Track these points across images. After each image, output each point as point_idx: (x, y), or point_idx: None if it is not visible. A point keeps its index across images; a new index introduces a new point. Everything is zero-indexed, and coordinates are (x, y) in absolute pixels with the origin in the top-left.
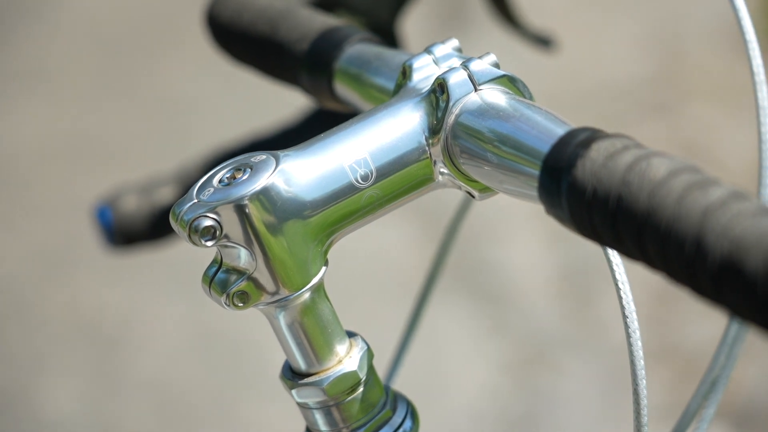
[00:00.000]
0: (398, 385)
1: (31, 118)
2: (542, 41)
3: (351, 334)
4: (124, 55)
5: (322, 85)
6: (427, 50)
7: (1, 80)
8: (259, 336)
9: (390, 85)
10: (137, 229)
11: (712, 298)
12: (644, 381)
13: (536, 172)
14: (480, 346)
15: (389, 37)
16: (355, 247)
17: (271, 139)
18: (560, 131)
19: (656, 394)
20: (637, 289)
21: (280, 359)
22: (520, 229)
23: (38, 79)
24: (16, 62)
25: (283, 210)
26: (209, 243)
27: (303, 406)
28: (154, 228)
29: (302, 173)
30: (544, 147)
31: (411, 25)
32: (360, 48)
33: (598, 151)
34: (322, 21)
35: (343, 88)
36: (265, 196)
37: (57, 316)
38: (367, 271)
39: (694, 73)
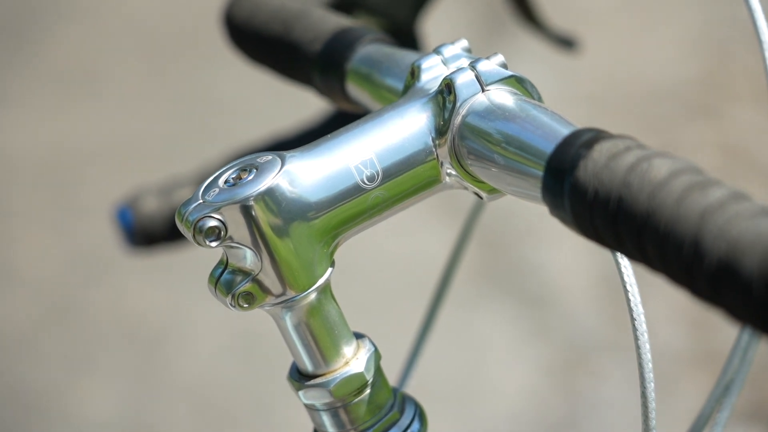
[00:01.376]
0: (439, 386)
1: (74, 120)
2: (565, 42)
3: (358, 336)
4: (167, 56)
5: (335, 85)
6: (436, 50)
7: (43, 82)
8: None
9: (400, 86)
10: (157, 230)
11: (709, 300)
12: (652, 384)
13: (540, 172)
14: (521, 349)
15: (409, 38)
16: (393, 249)
17: (291, 140)
18: (564, 132)
19: (692, 400)
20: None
21: None
22: (562, 231)
23: (80, 80)
24: (57, 64)
25: (288, 211)
26: (214, 243)
27: (310, 408)
28: (174, 229)
29: (307, 174)
30: (548, 148)
31: (454, 31)
32: (372, 48)
33: (600, 152)
34: (336, 21)
35: (355, 89)
36: (269, 196)
37: (99, 318)
38: (406, 274)
39: (739, 76)
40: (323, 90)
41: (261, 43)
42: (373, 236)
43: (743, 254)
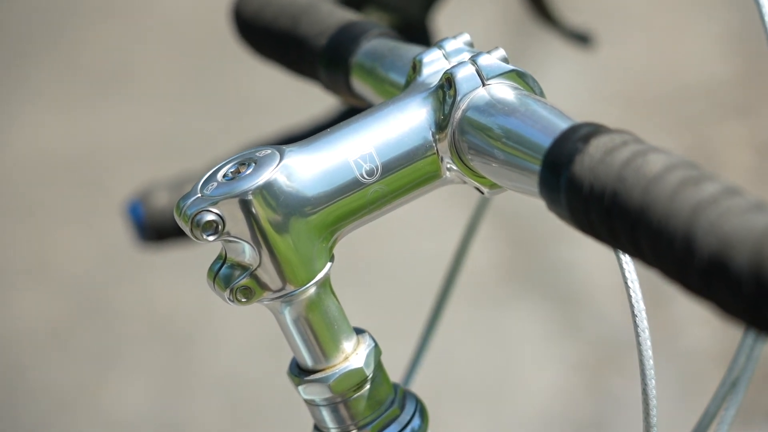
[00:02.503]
0: (470, 384)
1: (107, 118)
2: (580, 38)
3: (359, 331)
4: (200, 55)
5: (340, 79)
6: (438, 45)
7: (77, 80)
8: None
9: (403, 80)
10: (168, 225)
11: (701, 295)
12: (653, 381)
13: (538, 167)
14: (552, 347)
15: (421, 34)
16: (425, 246)
17: (302, 134)
18: (562, 126)
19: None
20: None
21: None
22: None
23: (113, 78)
24: (91, 62)
25: (286, 205)
26: (211, 238)
27: (310, 403)
28: None
29: (306, 168)
30: (546, 142)
31: (487, 30)
32: (377, 43)
33: (596, 146)
34: (342, 16)
35: (359, 84)
36: (267, 190)
37: (131, 313)
38: (435, 272)
39: None
40: (328, 84)
41: (269, 37)
42: (400, 234)
43: (734, 250)
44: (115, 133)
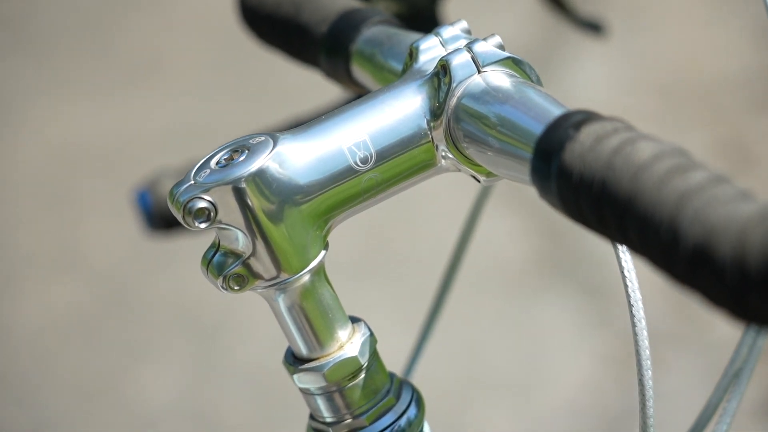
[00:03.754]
0: (500, 376)
1: (141, 108)
2: (592, 27)
3: (354, 320)
4: (233, 45)
5: (340, 67)
6: (435, 32)
7: (112, 71)
8: None
9: (401, 68)
10: None
11: (686, 284)
12: (650, 372)
13: (529, 155)
14: (584, 339)
15: (430, 23)
16: (454, 238)
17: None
18: (555, 113)
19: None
20: None
21: (381, 347)
22: None
23: (148, 69)
24: (127, 53)
25: (278, 192)
26: (203, 225)
27: (305, 392)
28: None
29: (299, 155)
30: (539, 129)
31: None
32: (377, 30)
33: (587, 134)
34: (344, 3)
35: (359, 71)
36: (260, 178)
37: (160, 304)
38: (469, 264)
39: None
40: (329, 72)
41: (272, 24)
42: (433, 224)
43: (717, 238)
44: (145, 123)
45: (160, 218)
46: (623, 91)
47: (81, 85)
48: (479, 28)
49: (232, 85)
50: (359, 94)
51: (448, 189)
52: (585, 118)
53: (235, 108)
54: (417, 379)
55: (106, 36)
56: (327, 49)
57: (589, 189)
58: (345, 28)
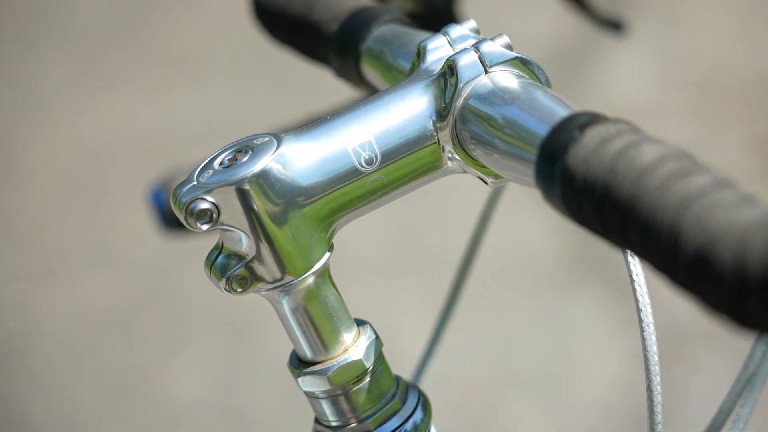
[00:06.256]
0: (530, 373)
1: (178, 104)
2: (612, 25)
3: (360, 323)
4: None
5: (350, 66)
6: (443, 31)
7: (150, 65)
8: (386, 321)
9: (409, 67)
10: None
11: (687, 289)
12: (658, 377)
13: (534, 157)
14: (614, 337)
15: (448, 20)
16: (491, 238)
17: None
18: (561, 115)
19: None
20: None
21: (407, 343)
22: None
23: (186, 64)
24: (166, 48)
25: (282, 193)
26: (205, 227)
27: (310, 396)
28: None
29: (303, 156)
30: (544, 131)
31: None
32: (388, 29)
33: (591, 136)
34: (356, 1)
35: (369, 70)
36: (263, 179)
37: (192, 299)
38: (501, 261)
39: None
40: (339, 71)
41: (284, 22)
42: (467, 221)
43: (718, 244)
44: (185, 118)
45: (174, 217)
46: (660, 89)
47: (120, 79)
48: (515, 27)
49: (272, 79)
50: (369, 93)
51: (480, 185)
52: (590, 120)
53: (273, 105)
54: (449, 377)
55: (142, 29)
56: (337, 47)
57: (591, 193)
58: (355, 26)
